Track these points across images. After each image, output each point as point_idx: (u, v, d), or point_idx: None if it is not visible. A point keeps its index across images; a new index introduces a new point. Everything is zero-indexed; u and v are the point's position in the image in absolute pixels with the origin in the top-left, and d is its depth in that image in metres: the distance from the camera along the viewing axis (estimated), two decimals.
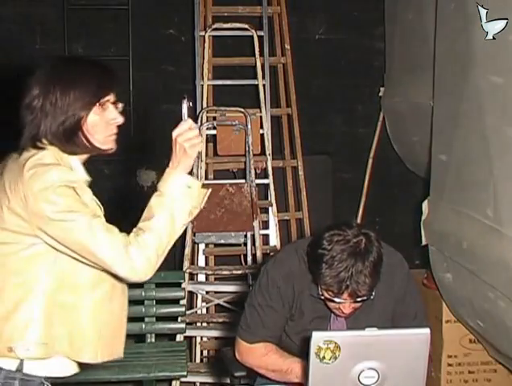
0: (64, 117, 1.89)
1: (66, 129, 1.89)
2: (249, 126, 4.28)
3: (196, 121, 2.01)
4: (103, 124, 1.94)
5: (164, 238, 1.88)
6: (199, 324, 4.18)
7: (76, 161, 1.97)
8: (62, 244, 1.82)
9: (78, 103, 1.89)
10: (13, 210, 1.82)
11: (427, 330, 1.90)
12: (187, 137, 1.93)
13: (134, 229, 1.89)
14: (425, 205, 3.58)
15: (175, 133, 1.96)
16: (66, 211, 1.79)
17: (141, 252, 1.82)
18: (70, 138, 1.91)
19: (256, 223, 4.11)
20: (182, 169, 1.97)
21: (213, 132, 4.45)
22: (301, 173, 4.71)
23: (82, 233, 1.79)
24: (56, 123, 1.89)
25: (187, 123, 1.94)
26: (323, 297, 2.20)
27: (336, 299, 2.15)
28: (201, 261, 4.30)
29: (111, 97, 1.95)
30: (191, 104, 2.00)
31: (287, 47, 4.77)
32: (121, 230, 1.91)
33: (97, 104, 1.92)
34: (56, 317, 1.88)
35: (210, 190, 1.99)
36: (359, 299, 2.14)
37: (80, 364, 1.99)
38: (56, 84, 1.90)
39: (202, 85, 4.50)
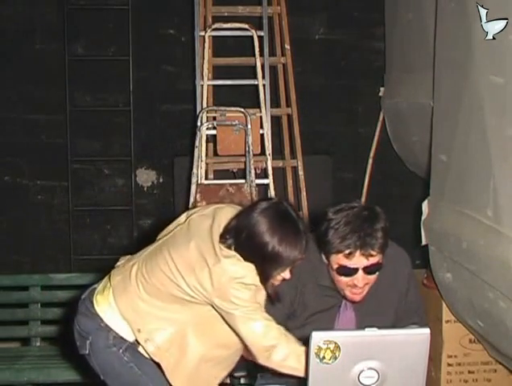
0: (262, 262, 2.23)
1: (257, 269, 2.25)
2: (249, 126, 4.27)
3: None
4: (278, 278, 2.28)
5: (284, 365, 2.23)
6: None
7: None
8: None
9: (281, 262, 2.22)
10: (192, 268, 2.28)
11: (427, 330, 1.90)
12: None
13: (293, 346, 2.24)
14: (425, 205, 3.58)
15: None
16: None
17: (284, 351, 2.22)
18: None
19: None
20: None
21: (213, 132, 4.45)
22: (301, 173, 4.71)
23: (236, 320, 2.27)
24: (255, 260, 2.23)
25: None
26: (336, 266, 2.19)
27: (350, 264, 2.15)
28: None
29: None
30: None
31: (287, 47, 4.77)
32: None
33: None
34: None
35: None
36: (371, 262, 2.14)
37: None
38: (276, 238, 2.20)
39: (202, 85, 4.49)
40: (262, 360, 2.25)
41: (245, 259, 2.24)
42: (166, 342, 2.36)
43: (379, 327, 1.93)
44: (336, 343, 1.86)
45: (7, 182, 5.17)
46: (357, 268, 2.18)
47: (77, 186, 5.12)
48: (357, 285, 2.21)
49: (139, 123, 5.10)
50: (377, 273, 2.21)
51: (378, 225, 2.16)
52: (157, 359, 2.38)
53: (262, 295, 2.30)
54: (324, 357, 1.87)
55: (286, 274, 2.27)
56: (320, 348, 1.86)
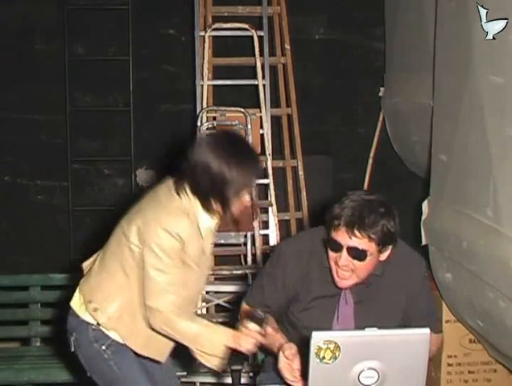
0: (220, 190, 2.33)
1: (217, 198, 2.35)
2: (249, 126, 4.28)
3: None
4: (238, 202, 2.38)
5: (177, 334, 2.39)
6: None
7: (205, 213, 2.42)
8: None
9: (238, 185, 2.33)
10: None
11: (427, 330, 1.90)
12: (248, 336, 2.31)
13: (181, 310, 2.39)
14: (425, 205, 3.58)
15: (242, 329, 2.32)
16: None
17: (166, 320, 2.37)
18: (213, 204, 2.37)
19: (256, 223, 4.11)
20: (230, 342, 2.33)
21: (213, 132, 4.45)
22: (301, 173, 4.72)
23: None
24: (213, 190, 2.33)
25: (253, 328, 2.31)
26: (328, 238, 2.25)
27: (336, 238, 2.20)
28: None
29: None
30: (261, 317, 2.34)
31: (287, 47, 4.77)
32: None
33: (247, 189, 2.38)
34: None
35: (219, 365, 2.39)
36: (354, 244, 2.18)
37: None
38: (229, 163, 2.31)
39: (202, 85, 4.50)
40: (148, 315, 2.38)
41: (203, 193, 2.35)
42: (116, 311, 2.45)
43: (379, 327, 1.93)
44: (336, 343, 1.86)
45: (7, 182, 5.17)
46: (341, 245, 2.21)
47: (77, 186, 5.12)
48: (340, 265, 2.24)
49: (139, 123, 5.10)
50: (365, 262, 2.22)
51: (381, 220, 2.19)
52: (111, 329, 2.46)
53: (194, 248, 2.38)
54: (324, 357, 1.87)
55: (246, 198, 2.39)
56: (320, 348, 1.86)
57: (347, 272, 2.24)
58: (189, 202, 2.39)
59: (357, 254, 2.20)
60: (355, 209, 2.19)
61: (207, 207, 2.39)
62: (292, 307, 2.42)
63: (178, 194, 2.39)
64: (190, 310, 2.51)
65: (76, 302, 2.54)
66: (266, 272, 2.48)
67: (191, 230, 2.36)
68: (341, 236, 2.20)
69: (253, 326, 2.31)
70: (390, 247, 2.28)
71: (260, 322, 2.32)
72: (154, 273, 2.33)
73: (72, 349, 2.53)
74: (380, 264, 2.32)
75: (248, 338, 2.30)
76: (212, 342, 2.34)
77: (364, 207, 2.19)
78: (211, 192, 2.35)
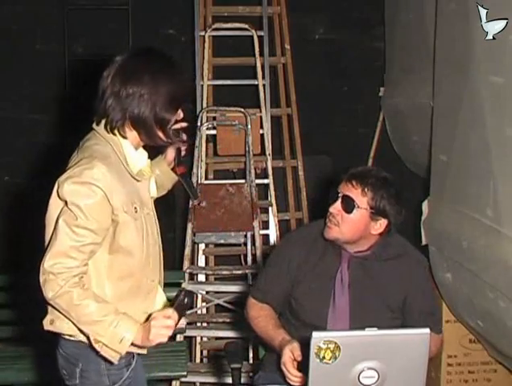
0: (161, 111, 2.08)
1: (158, 122, 2.09)
2: (249, 126, 4.28)
3: (190, 301, 2.10)
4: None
5: (73, 312, 2.01)
6: (199, 324, 4.18)
7: (136, 152, 2.16)
8: None
9: (179, 100, 2.12)
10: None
11: (427, 330, 1.90)
12: (159, 324, 2.00)
13: (85, 285, 2.02)
14: (425, 205, 3.58)
15: (154, 314, 2.04)
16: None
17: (60, 290, 1.98)
18: (154, 131, 2.11)
19: (256, 223, 4.11)
20: (137, 336, 2.02)
21: (213, 132, 4.45)
22: (301, 173, 4.72)
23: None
24: (153, 114, 2.08)
25: (169, 313, 2.02)
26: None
27: (338, 188, 2.39)
28: (201, 261, 4.30)
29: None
30: (186, 300, 2.06)
31: (287, 47, 4.77)
32: None
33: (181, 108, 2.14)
34: None
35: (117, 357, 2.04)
36: (348, 193, 2.35)
37: None
38: (155, 79, 2.07)
39: (202, 85, 4.50)
40: (41, 282, 2.01)
41: (143, 122, 2.08)
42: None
43: (379, 327, 1.93)
44: (336, 343, 1.86)
45: (7, 182, 5.17)
46: (338, 194, 2.39)
47: None
48: (330, 211, 2.38)
49: None
50: (351, 215, 2.35)
51: (381, 189, 2.37)
52: (74, 335, 2.11)
53: (121, 196, 2.06)
54: (324, 357, 1.87)
55: (180, 114, 2.16)
56: (320, 348, 1.86)
57: (334, 222, 2.37)
58: (112, 143, 2.11)
59: (347, 204, 2.35)
60: (366, 169, 2.46)
61: (148, 136, 2.11)
62: (294, 291, 2.46)
63: (105, 138, 2.12)
64: (145, 288, 2.19)
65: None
66: (271, 259, 2.55)
67: (109, 176, 2.02)
68: (342, 187, 2.40)
69: (174, 314, 2.01)
70: (384, 223, 2.40)
71: (183, 308, 2.05)
72: (64, 230, 2.00)
73: (75, 381, 2.13)
74: (375, 242, 2.42)
75: (161, 330, 1.99)
76: (113, 334, 1.98)
77: (373, 171, 2.42)
78: (151, 117, 2.07)
